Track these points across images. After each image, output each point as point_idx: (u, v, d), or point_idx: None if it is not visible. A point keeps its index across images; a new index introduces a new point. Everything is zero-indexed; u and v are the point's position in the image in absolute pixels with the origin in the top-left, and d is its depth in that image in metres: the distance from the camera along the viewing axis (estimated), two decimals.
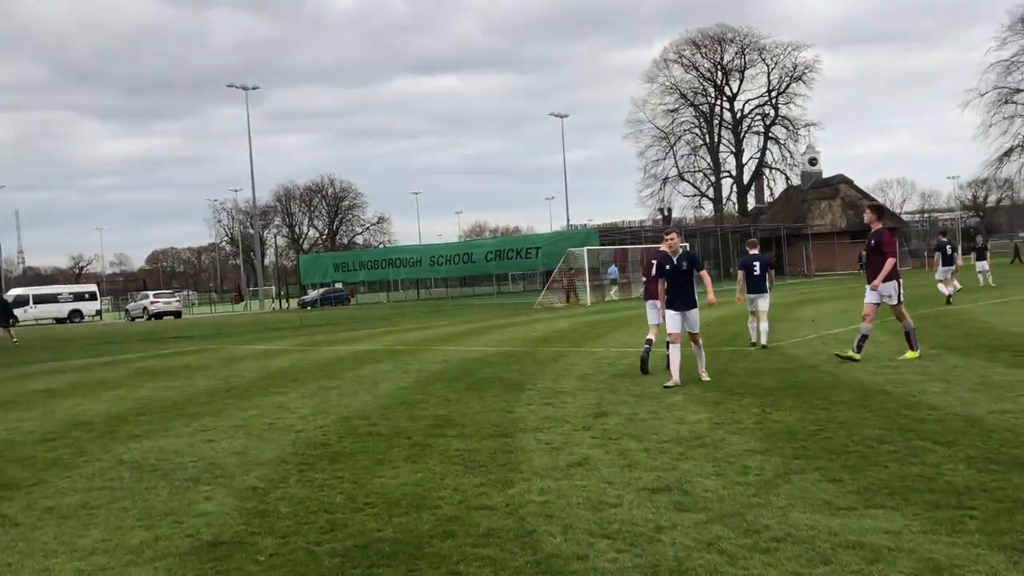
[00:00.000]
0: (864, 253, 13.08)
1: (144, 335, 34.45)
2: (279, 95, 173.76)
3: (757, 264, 14.94)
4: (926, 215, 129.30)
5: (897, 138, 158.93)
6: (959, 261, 26.15)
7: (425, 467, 6.91)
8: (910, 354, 11.93)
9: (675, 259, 11.16)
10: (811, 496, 5.38)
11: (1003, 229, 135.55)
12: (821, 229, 71.26)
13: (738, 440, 7.15)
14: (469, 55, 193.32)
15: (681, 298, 11.10)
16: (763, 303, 14.81)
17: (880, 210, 12.54)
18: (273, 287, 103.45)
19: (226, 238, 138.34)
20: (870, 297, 12.02)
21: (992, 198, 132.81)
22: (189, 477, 7.05)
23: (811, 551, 4.38)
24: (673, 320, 11.10)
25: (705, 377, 11.01)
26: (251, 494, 6.34)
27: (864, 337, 12.11)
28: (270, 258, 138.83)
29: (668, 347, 11.10)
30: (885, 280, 11.76)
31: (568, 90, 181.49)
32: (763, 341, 14.63)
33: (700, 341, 11.41)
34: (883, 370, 10.89)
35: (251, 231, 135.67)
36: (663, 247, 11.47)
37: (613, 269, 43.11)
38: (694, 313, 11.21)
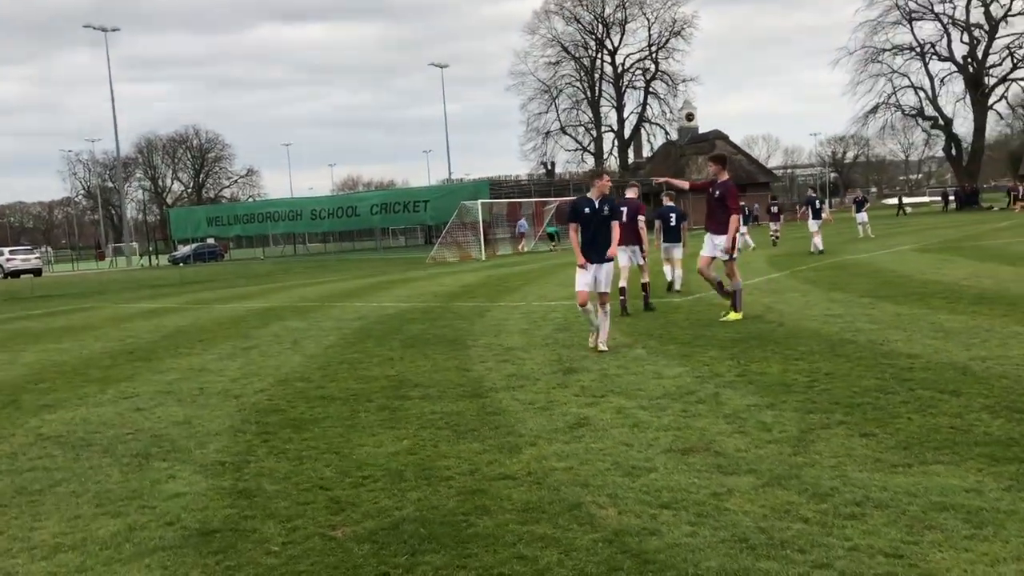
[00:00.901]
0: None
1: (7, 295, 31.80)
2: (135, 41, 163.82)
3: (673, 215, 15.78)
4: (789, 170, 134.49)
5: (761, 96, 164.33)
6: (826, 215, 27.42)
7: (408, 433, 6.27)
8: (732, 315, 11.22)
9: (596, 203, 9.61)
10: (855, 453, 5.07)
11: (859, 183, 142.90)
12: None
13: (734, 395, 6.81)
14: (337, 3, 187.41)
15: (596, 249, 9.59)
16: (677, 252, 15.80)
17: (723, 160, 11.76)
18: (136, 243, 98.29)
19: (82, 192, 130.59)
20: (706, 250, 11.34)
21: (850, 154, 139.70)
22: (136, 453, 6.17)
23: (902, 515, 4.04)
24: (583, 278, 9.55)
25: (603, 347, 9.43)
26: (221, 470, 5.56)
27: (721, 284, 11.77)
28: (131, 212, 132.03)
29: (580, 308, 9.79)
30: (721, 233, 11.26)
31: (440, 42, 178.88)
32: (676, 286, 15.80)
33: (608, 305, 9.71)
34: (830, 319, 10.85)
35: (110, 184, 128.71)
36: (593, 192, 9.78)
37: (523, 223, 42.90)
38: (609, 268, 9.70)
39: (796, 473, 4.74)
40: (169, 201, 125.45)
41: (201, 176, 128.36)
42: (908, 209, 65.88)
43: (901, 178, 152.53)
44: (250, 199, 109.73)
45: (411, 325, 13.45)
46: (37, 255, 55.32)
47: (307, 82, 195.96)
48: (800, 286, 15.62)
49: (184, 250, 61.85)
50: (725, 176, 11.37)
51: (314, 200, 56.98)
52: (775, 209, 34.83)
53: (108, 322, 17.50)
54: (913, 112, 70.29)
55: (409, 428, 6.43)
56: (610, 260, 9.66)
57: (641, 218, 13.55)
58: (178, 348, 12.34)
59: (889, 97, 68.41)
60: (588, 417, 6.37)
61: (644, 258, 13.63)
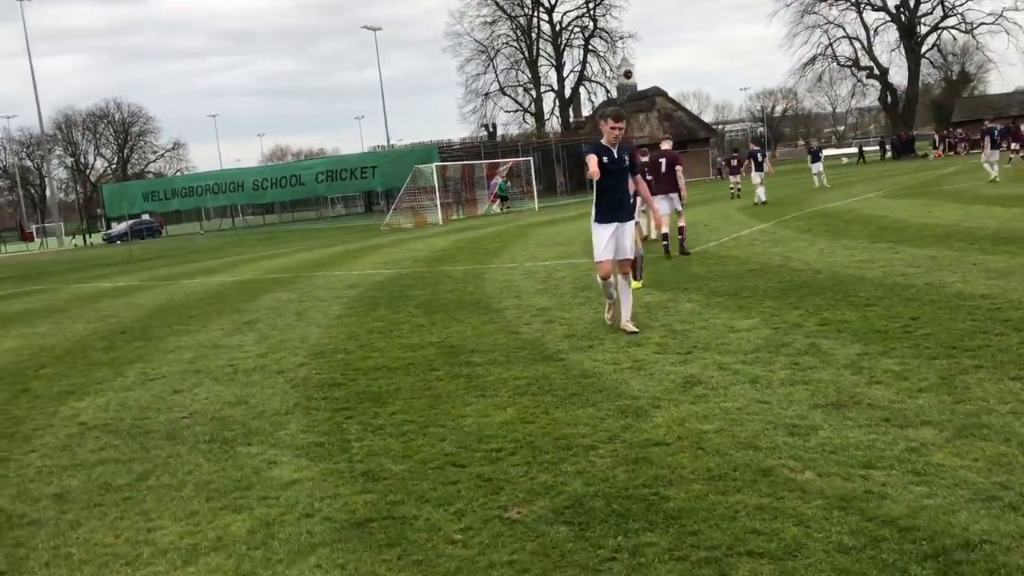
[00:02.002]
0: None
1: None
2: (41, 12, 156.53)
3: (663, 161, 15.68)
4: (720, 126, 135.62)
5: (686, 53, 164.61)
6: (768, 167, 28.06)
7: (505, 400, 5.80)
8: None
9: (615, 152, 7.77)
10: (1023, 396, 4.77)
11: (787, 137, 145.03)
12: (640, 141, 72.79)
13: (834, 345, 6.48)
14: None
15: (618, 207, 7.90)
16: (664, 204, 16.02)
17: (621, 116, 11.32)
18: (61, 223, 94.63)
19: None
20: (664, 208, 12.62)
21: (779, 108, 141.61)
22: (209, 438, 5.57)
23: None
24: (606, 244, 7.88)
25: (630, 327, 7.73)
26: (324, 452, 5.01)
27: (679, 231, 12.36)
28: (50, 191, 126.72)
29: (600, 282, 8.23)
30: (667, 193, 12.35)
31: (362, 5, 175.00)
32: (653, 235, 16.33)
33: (630, 276, 8.08)
34: (864, 265, 10.63)
35: (28, 163, 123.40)
36: (607, 139, 7.83)
37: (497, 181, 42.21)
38: (631, 231, 8.05)
39: (980, 422, 4.42)
40: (92, 179, 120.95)
41: (125, 151, 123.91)
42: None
43: (828, 130, 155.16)
44: (178, 173, 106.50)
45: (414, 291, 12.90)
46: None
47: (226, 51, 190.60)
48: (799, 235, 15.45)
49: (120, 227, 59.52)
50: (668, 145, 12.06)
51: (255, 171, 55.33)
52: (735, 162, 34.79)
53: (75, 303, 16.52)
54: (848, 63, 71.22)
55: (501, 395, 5.95)
56: (632, 220, 8.13)
57: (679, 168, 14.30)
58: (171, 326, 11.59)
59: (826, 49, 69.17)
60: (695, 375, 5.97)
61: (682, 204, 14.47)
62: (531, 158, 46.11)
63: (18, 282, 25.10)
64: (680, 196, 14.35)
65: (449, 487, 4.22)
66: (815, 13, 68.72)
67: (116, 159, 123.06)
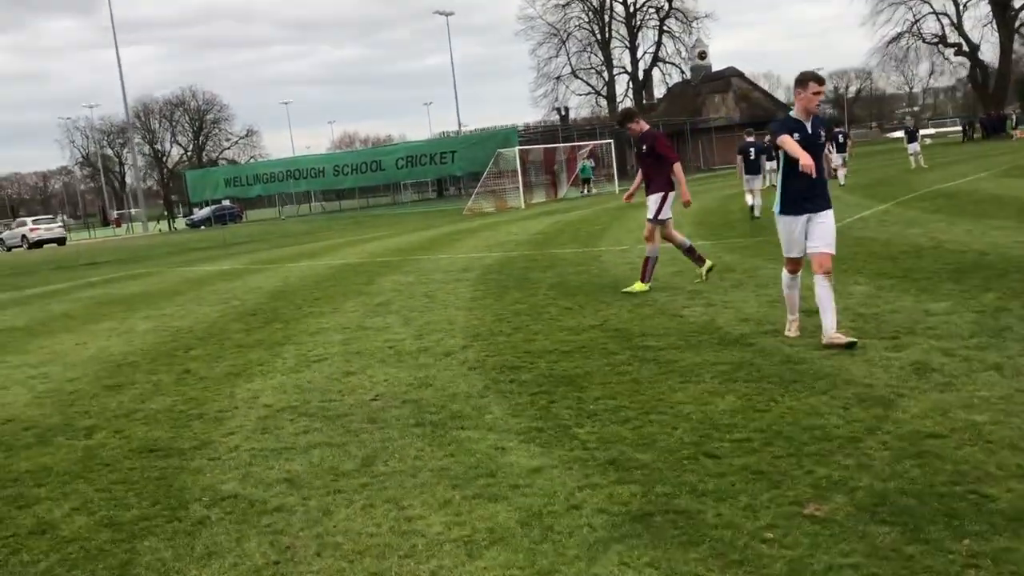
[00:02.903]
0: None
1: (53, 263, 30.79)
2: (115, 5, 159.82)
3: (752, 149, 18.37)
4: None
5: (751, 35, 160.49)
6: (850, 148, 27.82)
7: (720, 387, 5.46)
8: (637, 286, 9.71)
9: (808, 125, 6.38)
10: None
11: (860, 119, 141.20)
12: (718, 123, 71.48)
13: None
14: None
15: (809, 190, 6.41)
16: (757, 182, 18.21)
17: (632, 115, 10.00)
18: (144, 208, 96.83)
19: (80, 159, 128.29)
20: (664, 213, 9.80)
21: (852, 89, 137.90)
22: (415, 421, 5.36)
23: None
24: (790, 236, 6.60)
25: (838, 339, 6.19)
26: (550, 439, 4.75)
27: (691, 249, 10.08)
28: (131, 179, 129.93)
29: (785, 278, 6.83)
30: (654, 192, 9.69)
31: None
32: (756, 213, 17.57)
33: (832, 276, 6.48)
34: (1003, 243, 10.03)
35: (109, 151, 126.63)
36: (797, 110, 6.45)
37: (581, 163, 42.28)
38: (830, 220, 6.49)
39: None
40: (169, 165, 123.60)
41: (201, 138, 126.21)
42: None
43: (900, 111, 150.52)
44: (251, 160, 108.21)
45: (535, 273, 12.64)
46: (60, 224, 54.09)
47: (291, 39, 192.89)
48: (930, 216, 14.77)
49: (202, 212, 60.62)
50: (644, 126, 9.80)
51: (336, 156, 55.72)
52: (841, 139, 33.41)
53: (188, 285, 16.64)
54: (935, 40, 68.70)
55: (708, 381, 5.63)
56: (830, 210, 6.53)
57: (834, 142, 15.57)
58: (300, 307, 11.52)
59: (911, 26, 66.78)
60: (922, 362, 5.57)
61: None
62: (611, 141, 45.51)
63: (121, 265, 25.55)
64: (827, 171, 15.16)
65: (719, 479, 3.92)
66: None
67: (191, 146, 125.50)
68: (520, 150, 37.55)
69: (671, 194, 9.74)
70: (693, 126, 67.27)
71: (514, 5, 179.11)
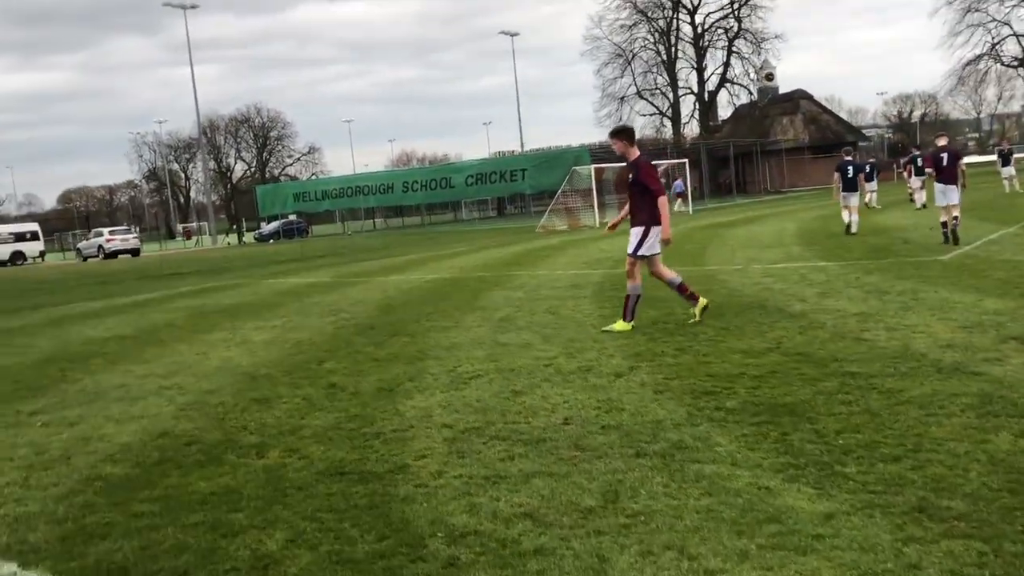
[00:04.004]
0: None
1: (136, 273, 30.97)
2: (177, 24, 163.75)
3: (851, 168, 19.20)
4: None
5: (808, 58, 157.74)
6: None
7: (976, 422, 4.81)
8: (619, 325, 9.01)
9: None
10: None
11: (926, 144, 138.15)
12: (786, 145, 70.20)
13: None
14: None
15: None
16: (854, 200, 18.82)
17: (629, 134, 9.19)
18: (206, 223, 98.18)
19: (147, 173, 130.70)
20: (943, 199, 9.05)
21: (916, 113, 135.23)
22: (635, 451, 4.78)
23: None
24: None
25: None
26: (819, 477, 4.14)
27: (682, 286, 9.23)
28: (195, 193, 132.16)
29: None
30: (637, 225, 8.94)
31: (480, 13, 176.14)
32: (854, 229, 18.51)
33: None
34: None
35: (176, 166, 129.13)
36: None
37: (680, 183, 42.37)
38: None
39: None
40: (232, 180, 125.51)
41: (264, 155, 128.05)
42: None
43: (963, 136, 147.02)
44: (313, 176, 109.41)
45: (658, 291, 11.97)
46: (135, 235, 54.86)
47: (349, 59, 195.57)
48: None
49: (271, 227, 61.03)
50: (635, 153, 8.99)
51: (406, 173, 55.84)
52: (920, 162, 32.37)
53: (284, 297, 16.36)
54: (1015, 63, 66.79)
55: (959, 415, 4.97)
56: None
57: (961, 161, 15.68)
58: (420, 321, 11.07)
59: (991, 48, 65.00)
60: None
61: (961, 195, 15.34)
62: (685, 161, 44.76)
63: (205, 276, 25.51)
64: (960, 186, 15.29)
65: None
66: (980, 10, 64.65)
67: (255, 162, 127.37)
68: (595, 168, 36.98)
69: (655, 229, 8.88)
70: (762, 148, 66.00)
71: (569, 28, 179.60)
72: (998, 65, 67.17)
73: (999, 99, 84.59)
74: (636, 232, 8.95)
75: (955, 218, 15.10)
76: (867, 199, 28.13)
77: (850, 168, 19.22)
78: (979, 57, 65.44)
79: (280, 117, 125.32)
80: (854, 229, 18.45)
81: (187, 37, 55.80)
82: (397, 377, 7.54)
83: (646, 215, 8.88)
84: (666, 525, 3.70)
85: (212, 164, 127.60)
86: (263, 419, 6.40)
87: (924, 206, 25.56)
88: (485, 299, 13.00)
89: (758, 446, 4.71)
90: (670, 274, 9.25)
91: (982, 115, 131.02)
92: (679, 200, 42.28)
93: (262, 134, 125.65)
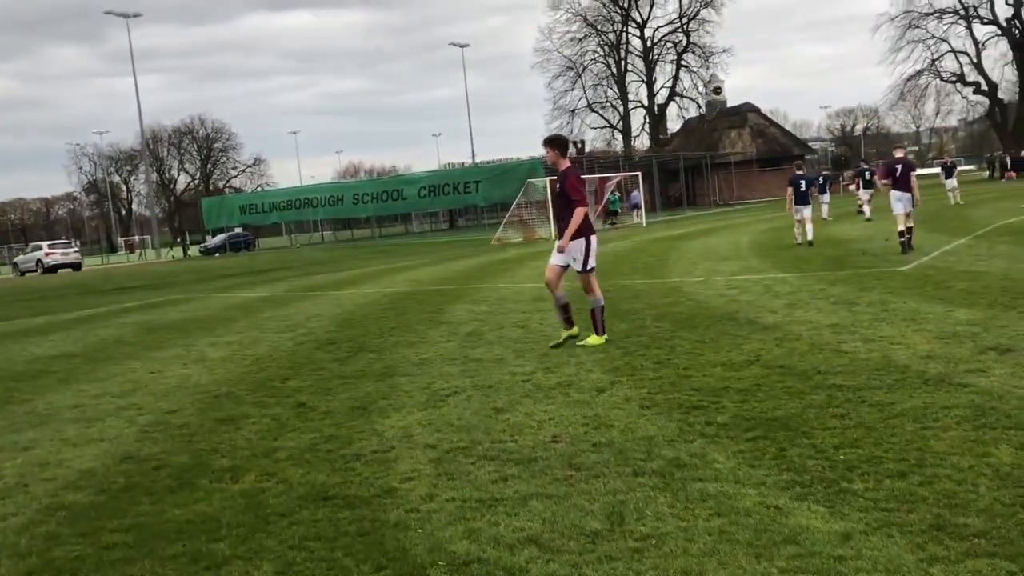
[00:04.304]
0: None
1: (79, 288, 30.02)
2: (118, 34, 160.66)
3: (803, 182, 19.70)
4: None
5: (752, 72, 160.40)
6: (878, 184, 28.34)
7: (986, 435, 4.75)
8: (593, 340, 8.74)
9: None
10: None
11: (869, 157, 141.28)
12: (734, 158, 71.10)
13: None
14: None
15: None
16: (807, 212, 19.33)
17: (561, 144, 9.05)
18: (149, 236, 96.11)
19: (86, 185, 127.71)
20: (556, 259, 8.84)
21: (859, 127, 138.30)
22: (633, 470, 4.63)
23: None
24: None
25: None
26: (835, 498, 4.02)
27: (566, 307, 8.94)
28: (137, 206, 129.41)
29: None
30: (574, 237, 8.63)
31: (428, 27, 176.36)
32: (809, 237, 19.13)
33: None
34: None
35: (117, 178, 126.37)
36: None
37: (636, 194, 42.80)
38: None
39: None
40: (176, 192, 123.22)
41: (208, 166, 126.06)
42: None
43: (911, 148, 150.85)
44: (259, 188, 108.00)
45: (626, 304, 11.91)
46: (76, 249, 53.33)
47: (294, 70, 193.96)
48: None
49: (217, 240, 59.88)
50: (565, 163, 8.81)
51: (356, 184, 55.28)
52: (868, 175, 32.90)
53: (237, 312, 15.94)
54: (953, 78, 68.69)
55: (955, 428, 4.92)
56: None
57: (913, 173, 16.27)
58: (381, 337, 10.81)
59: (932, 64, 66.76)
60: None
61: (914, 207, 16.05)
62: (638, 174, 45.04)
63: (151, 291, 24.84)
64: (914, 199, 15.92)
65: None
66: (920, 27, 66.39)
67: (199, 174, 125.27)
68: (551, 180, 36.90)
69: (593, 238, 8.73)
70: (711, 161, 66.75)
71: (517, 40, 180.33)
72: (937, 80, 68.94)
73: (937, 113, 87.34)
74: (577, 247, 8.66)
75: (909, 228, 15.80)
76: (821, 211, 28.85)
77: (802, 182, 19.77)
78: (919, 72, 67.15)
79: (225, 128, 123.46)
80: (810, 237, 19.03)
81: (130, 47, 54.60)
82: (369, 395, 7.30)
83: (580, 227, 8.62)
84: (679, 549, 3.54)
85: (155, 176, 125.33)
86: (233, 441, 6.11)
87: (870, 219, 26.53)
88: (449, 313, 12.78)
89: (758, 463, 4.58)
90: (563, 292, 8.91)
91: (921, 129, 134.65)
92: (636, 212, 42.66)
93: (206, 145, 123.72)
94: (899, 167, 16.13)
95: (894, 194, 15.99)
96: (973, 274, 11.67)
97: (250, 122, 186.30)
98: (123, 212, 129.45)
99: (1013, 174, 55.94)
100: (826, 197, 29.73)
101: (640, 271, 17.40)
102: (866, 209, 27.97)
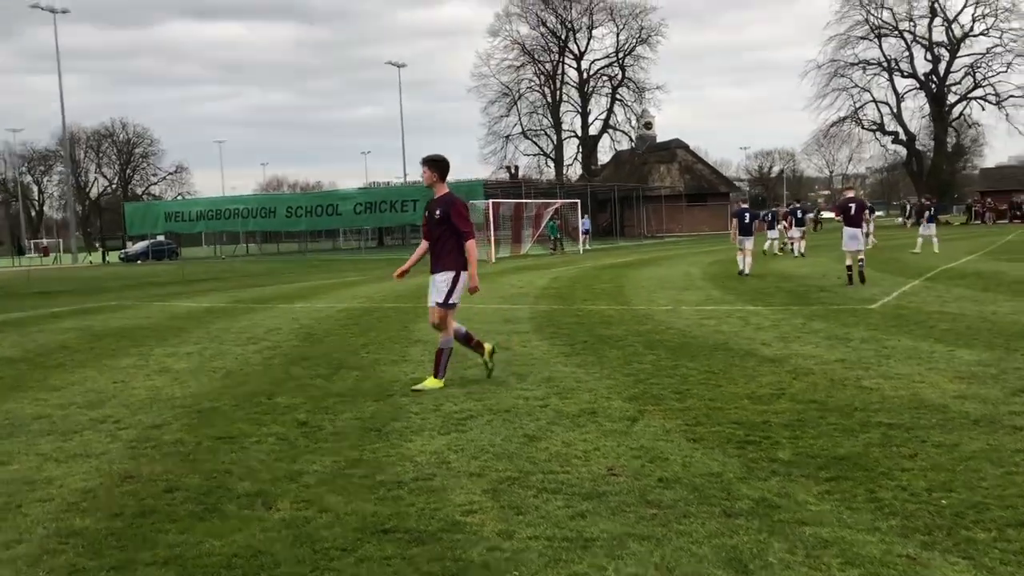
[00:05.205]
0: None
1: None
2: (36, 32, 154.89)
3: (747, 215, 21.06)
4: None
5: (671, 111, 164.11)
6: (808, 223, 30.61)
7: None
8: (430, 382, 7.89)
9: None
10: None
11: (784, 198, 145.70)
12: (661, 192, 72.00)
13: None
14: (251, 2, 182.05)
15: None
16: (748, 243, 20.44)
17: (442, 166, 7.95)
18: (60, 240, 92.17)
19: None
20: (434, 294, 7.94)
21: (775, 168, 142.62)
22: (724, 509, 4.28)
23: None
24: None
25: None
26: (968, 549, 3.74)
27: (467, 336, 8.18)
28: (50, 209, 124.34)
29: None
30: (444, 269, 7.84)
31: (359, 45, 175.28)
32: (747, 271, 20.20)
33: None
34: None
35: (29, 178, 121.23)
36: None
37: (586, 221, 44.01)
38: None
39: None
40: (92, 197, 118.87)
41: (128, 171, 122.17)
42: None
43: (824, 192, 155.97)
44: (179, 197, 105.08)
45: (603, 329, 11.64)
46: None
47: (219, 80, 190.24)
48: (981, 294, 14.38)
49: (139, 246, 57.59)
50: (443, 189, 7.96)
51: (291, 197, 54.05)
52: (800, 214, 33.54)
53: (185, 323, 15.14)
54: (874, 127, 71.24)
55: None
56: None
57: (866, 211, 18.54)
58: (357, 354, 10.31)
59: (856, 112, 69.14)
60: None
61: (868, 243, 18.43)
62: (577, 201, 45.18)
63: (80, 296, 23.56)
64: (868, 236, 18.66)
65: None
66: (844, 76, 68.76)
67: (117, 179, 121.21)
68: (493, 203, 36.69)
69: (464, 274, 7.89)
70: (644, 193, 67.53)
71: (448, 64, 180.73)
72: (859, 129, 71.38)
73: (850, 160, 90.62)
74: (444, 279, 7.83)
75: (860, 260, 16.87)
76: (767, 245, 29.67)
77: (746, 215, 21.07)
78: (843, 119, 69.41)
79: (147, 134, 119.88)
80: (748, 270, 20.19)
81: (56, 44, 52.45)
82: (376, 416, 6.81)
83: (453, 259, 7.83)
84: None
85: (72, 179, 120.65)
86: (244, 461, 5.55)
87: (803, 255, 28.35)
88: (418, 331, 12.30)
89: (854, 505, 4.29)
90: (457, 326, 8.14)
91: (834, 174, 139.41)
92: (585, 237, 43.35)
93: (126, 150, 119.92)
94: (852, 205, 17.00)
95: (847, 231, 16.78)
96: (950, 315, 11.74)
97: (173, 130, 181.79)
98: (33, 213, 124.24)
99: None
100: (774, 233, 30.48)
101: (601, 297, 17.17)
102: (796, 247, 29.14)
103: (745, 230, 20.63)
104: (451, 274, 7.85)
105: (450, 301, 7.87)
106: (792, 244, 29.98)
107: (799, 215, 30.39)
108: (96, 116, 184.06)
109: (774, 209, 38.62)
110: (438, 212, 7.89)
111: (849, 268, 16.84)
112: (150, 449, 5.99)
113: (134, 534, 4.24)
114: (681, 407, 6.71)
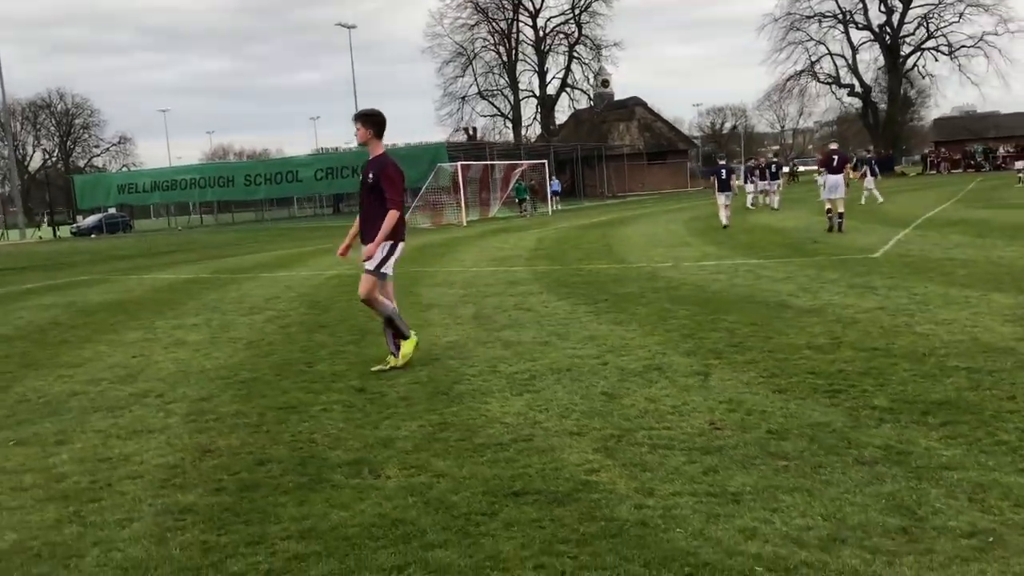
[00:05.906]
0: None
1: None
2: None
3: (724, 171, 22.26)
4: None
5: (626, 68, 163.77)
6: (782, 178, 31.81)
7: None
8: (392, 359, 7.22)
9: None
10: None
11: (735, 154, 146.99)
12: (623, 151, 72.04)
13: None
14: None
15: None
16: (724, 199, 21.72)
17: (377, 122, 7.10)
18: (4, 216, 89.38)
19: None
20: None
21: (727, 125, 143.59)
22: (856, 457, 4.20)
23: None
24: None
25: None
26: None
27: (391, 321, 7.31)
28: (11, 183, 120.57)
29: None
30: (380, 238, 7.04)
31: (298, 6, 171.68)
32: (727, 223, 21.46)
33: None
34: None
35: None
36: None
37: (556, 183, 43.83)
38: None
39: None
40: (30, 171, 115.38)
41: (68, 143, 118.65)
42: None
43: (773, 147, 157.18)
44: (124, 168, 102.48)
45: (619, 288, 11.54)
46: None
47: (156, 47, 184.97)
48: (974, 240, 14.55)
49: (91, 220, 55.98)
50: (379, 148, 7.15)
51: (250, 165, 52.78)
52: (774, 168, 33.60)
53: (174, 295, 14.72)
54: (829, 80, 71.82)
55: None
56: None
57: (848, 164, 19.42)
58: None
59: (812, 65, 69.61)
60: None
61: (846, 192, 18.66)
62: (544, 162, 44.91)
63: (46, 272, 22.82)
64: (847, 184, 18.75)
65: None
66: (800, 30, 69.08)
67: (57, 151, 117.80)
68: (461, 166, 36.29)
69: (401, 244, 7.24)
70: (605, 152, 67.37)
71: (397, 24, 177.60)
72: (815, 82, 71.93)
73: (800, 114, 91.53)
74: (380, 247, 7.09)
75: (840, 213, 18.38)
76: (749, 201, 30.18)
77: (723, 171, 22.28)
78: (799, 73, 69.86)
79: (86, 104, 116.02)
80: (727, 223, 21.47)
81: None
82: (434, 380, 6.62)
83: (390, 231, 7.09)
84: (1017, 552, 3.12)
85: (6, 152, 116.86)
86: (322, 430, 5.35)
87: (777, 209, 28.97)
88: (427, 296, 12.08)
89: (986, 449, 4.24)
90: (387, 303, 7.36)
91: (784, 129, 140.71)
92: (555, 199, 43.25)
93: (66, 121, 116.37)
94: (835, 157, 18.99)
95: (830, 180, 18.57)
96: (959, 261, 11.84)
97: (113, 100, 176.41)
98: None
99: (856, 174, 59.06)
100: (750, 187, 31.03)
101: (595, 257, 17.06)
102: (774, 200, 29.65)
103: (724, 186, 21.80)
104: (387, 244, 7.12)
105: (381, 269, 7.11)
106: (768, 198, 30.36)
107: (772, 169, 30.98)
108: (30, 88, 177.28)
109: (750, 163, 38.70)
110: (371, 176, 7.05)
111: (829, 211, 18.57)
112: (213, 422, 5.74)
113: (251, 508, 4.03)
114: (745, 360, 6.62)
